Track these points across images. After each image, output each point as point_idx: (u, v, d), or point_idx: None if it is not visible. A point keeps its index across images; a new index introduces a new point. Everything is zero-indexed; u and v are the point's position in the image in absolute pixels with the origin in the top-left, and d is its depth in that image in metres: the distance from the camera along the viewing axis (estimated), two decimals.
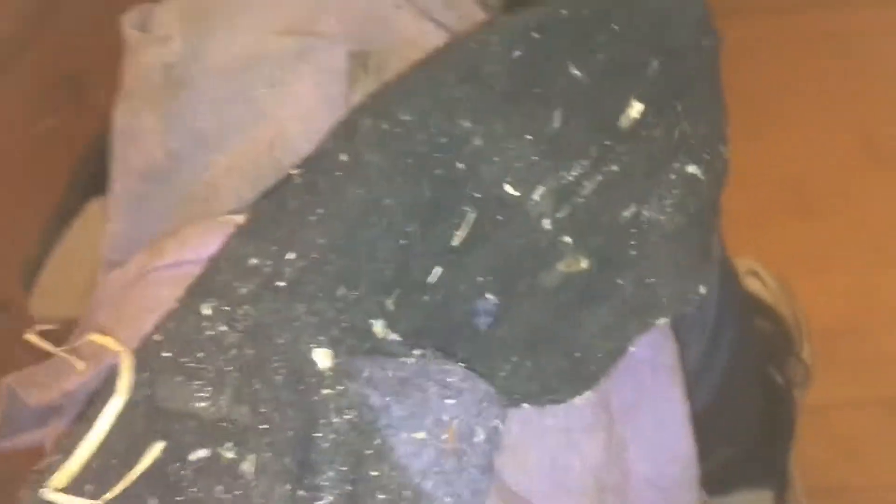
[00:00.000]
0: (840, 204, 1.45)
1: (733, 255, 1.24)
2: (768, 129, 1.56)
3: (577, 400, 0.37)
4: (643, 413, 0.42)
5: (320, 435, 0.33)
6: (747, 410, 0.78)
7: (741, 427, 0.76)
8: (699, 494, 0.43)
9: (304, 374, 0.33)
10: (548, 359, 0.37)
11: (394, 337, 0.37)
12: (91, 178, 1.53)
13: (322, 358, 0.33)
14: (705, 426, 0.61)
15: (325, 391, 0.33)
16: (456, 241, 0.37)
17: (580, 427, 0.39)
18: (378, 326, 0.36)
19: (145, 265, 0.40)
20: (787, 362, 1.03)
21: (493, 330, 0.38)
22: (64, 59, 1.37)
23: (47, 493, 0.33)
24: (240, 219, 0.39)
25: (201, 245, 0.39)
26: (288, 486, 0.32)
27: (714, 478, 0.57)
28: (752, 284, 1.13)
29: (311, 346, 0.34)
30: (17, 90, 1.28)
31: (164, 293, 0.38)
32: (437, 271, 0.37)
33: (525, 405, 0.38)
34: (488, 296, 0.37)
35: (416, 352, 0.36)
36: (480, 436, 0.34)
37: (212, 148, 0.41)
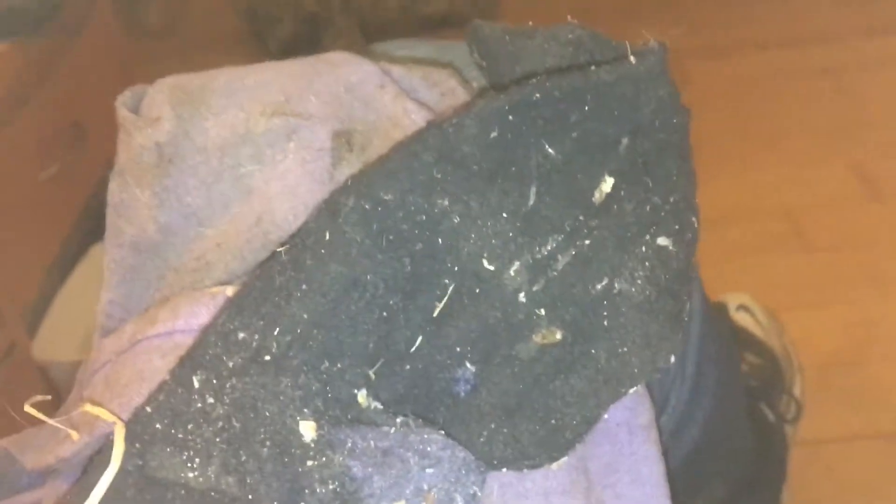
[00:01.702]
0: (836, 236, 1.47)
1: (728, 288, 1.26)
2: (763, 162, 1.58)
3: (554, 465, 0.39)
4: (621, 474, 0.43)
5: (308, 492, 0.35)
6: (737, 449, 0.80)
7: (732, 465, 0.77)
8: None
9: (290, 445, 0.35)
10: (524, 426, 0.39)
11: (376, 405, 0.38)
12: (94, 222, 1.57)
13: (307, 430, 0.35)
14: (695, 466, 0.62)
15: (310, 462, 0.35)
16: (436, 312, 0.39)
17: (558, 491, 0.41)
18: (362, 396, 0.38)
19: (137, 334, 0.42)
20: (778, 398, 1.04)
21: (471, 397, 0.39)
22: (68, 107, 1.41)
23: None
24: (230, 290, 0.41)
25: (192, 315, 0.41)
26: None
27: None
28: (743, 320, 1.15)
29: (297, 418, 0.35)
30: (22, 138, 1.31)
31: (156, 362, 0.40)
32: (419, 341, 0.39)
33: (504, 469, 0.39)
34: (467, 365, 0.39)
35: (398, 419, 0.38)
36: (459, 502, 0.35)
37: (202, 222, 0.43)
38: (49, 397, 0.40)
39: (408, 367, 0.40)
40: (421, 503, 0.35)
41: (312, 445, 0.35)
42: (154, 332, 0.42)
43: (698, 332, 0.57)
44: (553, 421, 0.39)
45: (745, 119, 1.61)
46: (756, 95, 1.68)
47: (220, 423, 0.36)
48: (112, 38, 1.53)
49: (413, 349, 0.40)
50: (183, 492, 0.36)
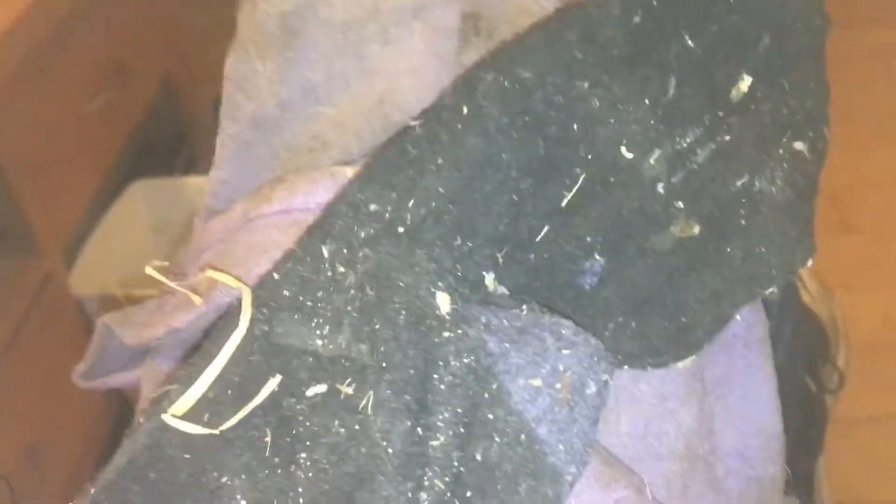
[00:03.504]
0: (878, 220, 1.45)
1: None
2: None
3: (680, 364, 0.38)
4: (733, 386, 0.42)
5: (437, 377, 0.34)
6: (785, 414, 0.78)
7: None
8: (783, 467, 0.44)
9: (425, 316, 0.34)
10: (653, 321, 0.38)
11: (502, 290, 0.37)
12: (134, 161, 1.55)
13: (443, 302, 0.34)
14: None
15: (446, 334, 0.34)
16: (564, 202, 0.38)
17: (675, 395, 0.40)
18: (489, 279, 0.37)
19: (250, 211, 0.41)
20: (821, 368, 1.03)
21: (598, 290, 0.38)
22: (111, 46, 1.39)
23: (169, 418, 0.34)
24: (350, 171, 0.39)
25: (310, 193, 0.40)
26: (408, 423, 0.33)
27: None
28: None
29: (432, 290, 0.34)
30: (68, 71, 1.29)
31: (275, 237, 0.39)
32: (545, 230, 0.38)
33: (625, 367, 0.38)
34: (596, 256, 0.38)
35: (524, 307, 0.36)
36: (592, 388, 0.34)
37: (320, 100, 0.42)
38: (167, 263, 0.39)
39: (531, 256, 0.38)
40: (556, 384, 0.34)
41: (448, 318, 0.34)
42: (270, 210, 0.41)
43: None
44: (683, 318, 0.38)
45: None
46: None
47: (352, 292, 0.35)
48: None
49: (538, 239, 0.38)
50: (311, 359, 0.35)
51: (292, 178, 0.41)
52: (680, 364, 0.38)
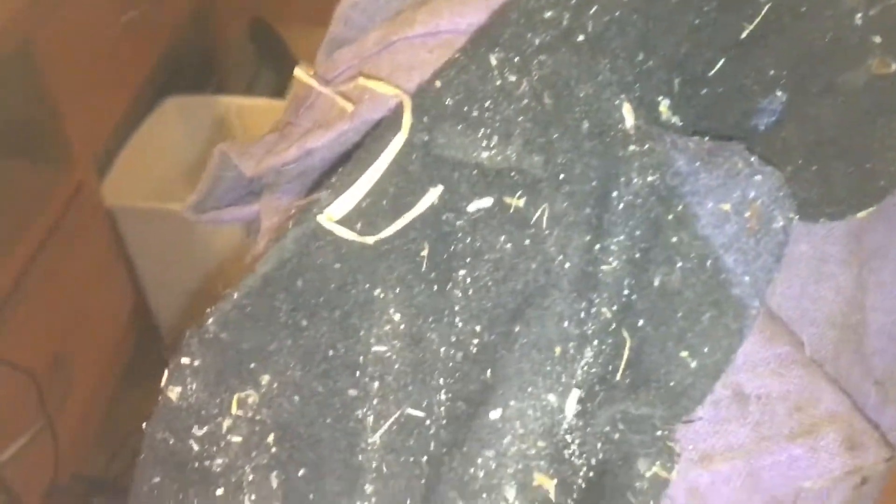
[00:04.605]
0: None
1: None
2: None
3: (861, 214, 0.35)
4: (888, 261, 0.40)
5: (616, 195, 0.31)
6: None
7: None
8: None
9: (609, 127, 0.31)
10: (836, 165, 0.35)
11: (676, 120, 0.35)
12: (167, 76, 1.52)
13: (628, 114, 0.32)
14: None
15: (632, 147, 0.31)
16: (744, 34, 0.35)
17: (835, 258, 0.38)
18: (664, 105, 0.34)
19: (390, 35, 0.39)
20: None
21: (775, 130, 0.36)
22: None
23: (324, 220, 0.31)
24: None
25: (459, 15, 0.37)
26: (587, 237, 0.31)
27: None
28: None
29: (615, 102, 0.32)
30: None
31: (423, 56, 0.36)
32: (720, 64, 0.35)
33: (796, 218, 0.36)
34: (777, 92, 0.35)
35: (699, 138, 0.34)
36: (778, 222, 0.32)
37: None
38: (312, 72, 0.36)
39: (704, 91, 0.36)
40: (746, 212, 0.32)
41: (633, 132, 0.31)
42: (414, 33, 0.38)
43: None
44: (868, 164, 0.35)
45: None
46: None
47: (526, 101, 0.32)
48: None
49: (713, 73, 0.36)
50: (474, 172, 0.32)
51: (437, 2, 0.38)
52: (860, 214, 0.35)
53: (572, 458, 0.32)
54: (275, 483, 0.31)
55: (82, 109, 1.30)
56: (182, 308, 1.39)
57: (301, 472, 0.32)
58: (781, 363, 0.35)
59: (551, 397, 0.31)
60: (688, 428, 0.35)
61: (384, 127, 0.34)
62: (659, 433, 0.32)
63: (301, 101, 0.43)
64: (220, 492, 0.32)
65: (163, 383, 0.33)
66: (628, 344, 0.32)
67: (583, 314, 0.31)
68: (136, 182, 1.40)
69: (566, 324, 0.31)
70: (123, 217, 1.38)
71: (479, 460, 0.31)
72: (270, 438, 0.32)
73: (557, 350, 0.31)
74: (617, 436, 0.32)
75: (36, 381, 1.11)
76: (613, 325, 0.32)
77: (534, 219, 0.31)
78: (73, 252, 1.27)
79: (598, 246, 0.31)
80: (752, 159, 0.33)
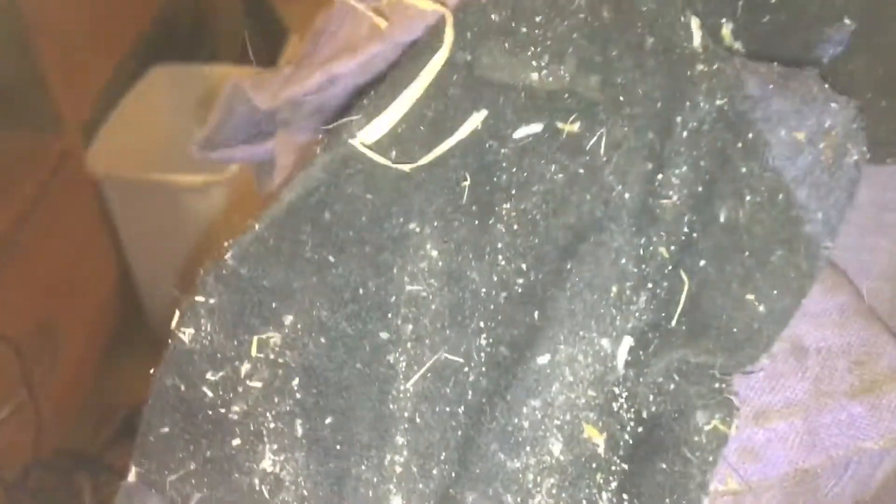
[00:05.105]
0: None
1: None
2: None
3: None
4: None
5: (680, 120, 0.28)
6: None
7: None
8: None
9: (675, 45, 0.29)
10: None
11: (738, 46, 0.32)
12: (156, 44, 1.48)
13: (696, 30, 0.29)
14: None
15: (700, 67, 0.28)
16: None
17: (895, 207, 0.35)
18: (727, 30, 0.31)
19: None
20: None
21: (841, 62, 0.33)
22: None
23: (357, 143, 0.28)
24: None
25: None
26: (649, 166, 0.28)
27: None
28: None
29: (680, 17, 0.29)
30: None
31: None
32: None
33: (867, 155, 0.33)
34: (845, 20, 0.32)
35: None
36: (852, 156, 0.29)
37: None
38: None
39: (767, 17, 0.33)
40: (821, 143, 0.29)
41: (700, 51, 0.29)
42: None
43: None
44: None
45: None
46: None
47: (581, 16, 0.29)
48: None
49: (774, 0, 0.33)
50: (522, 95, 0.30)
51: None
52: None
53: (620, 412, 0.30)
54: (300, 431, 0.28)
55: (69, 75, 1.25)
56: (167, 281, 1.35)
57: (328, 420, 0.29)
58: (843, 314, 0.33)
59: (605, 342, 0.28)
60: (742, 382, 0.32)
61: (422, 45, 0.31)
62: (717, 385, 0.29)
63: (321, 31, 0.40)
64: (236, 441, 0.29)
65: (173, 324, 0.30)
66: (686, 287, 0.29)
67: (642, 251, 0.28)
68: (122, 151, 1.36)
69: (624, 261, 0.28)
70: (109, 186, 1.34)
71: (525, 410, 0.28)
72: (295, 383, 0.29)
73: (614, 290, 0.28)
74: (672, 387, 0.29)
75: (19, 350, 1.08)
76: (670, 267, 0.29)
77: (589, 145, 0.28)
78: (57, 220, 1.23)
79: (659, 176, 0.28)
80: (826, 87, 0.30)
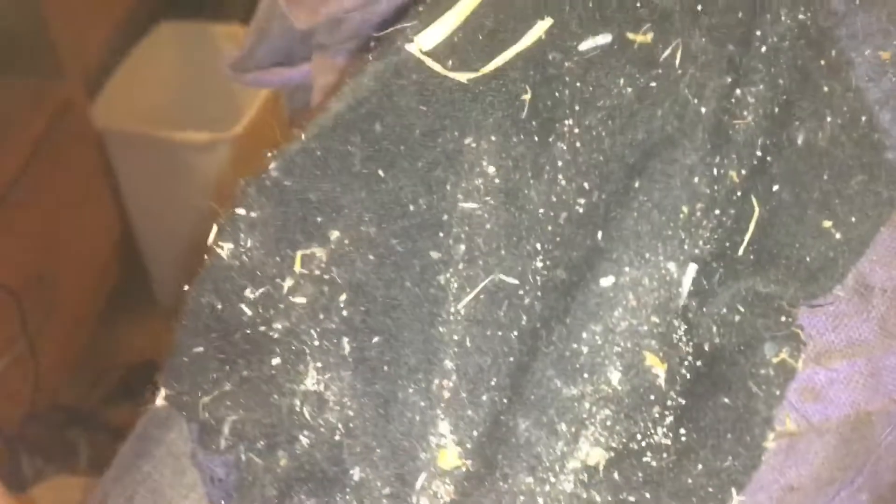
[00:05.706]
0: None
1: None
2: None
3: None
4: None
5: (759, 34, 0.27)
6: None
7: None
8: None
9: None
10: None
11: None
12: (162, 3, 1.46)
13: None
14: None
15: None
16: None
17: None
18: None
19: None
20: None
21: None
22: None
23: (414, 48, 0.27)
24: None
25: None
26: (728, 80, 0.26)
27: None
28: None
29: None
30: None
31: None
32: None
33: None
34: None
35: None
36: None
37: None
38: None
39: None
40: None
41: None
42: None
43: None
44: None
45: None
46: None
47: None
48: None
49: None
50: (590, 3, 0.28)
51: None
52: None
53: (679, 344, 0.28)
54: (346, 349, 0.27)
55: (72, 21, 1.23)
56: (169, 241, 1.33)
57: (375, 340, 0.27)
58: None
59: (672, 266, 0.27)
60: (802, 320, 0.31)
61: None
62: (785, 318, 0.28)
63: None
64: (276, 360, 0.28)
65: (211, 239, 0.29)
66: (756, 214, 0.28)
67: (715, 171, 0.27)
68: (127, 106, 1.34)
69: (696, 180, 0.27)
70: (112, 140, 1.32)
71: (584, 335, 0.27)
72: (341, 300, 0.27)
73: (684, 211, 0.27)
74: (737, 318, 0.28)
75: (17, 299, 1.06)
76: (738, 193, 0.28)
77: (663, 57, 0.27)
78: (59, 170, 1.21)
79: (737, 91, 0.27)
80: None
